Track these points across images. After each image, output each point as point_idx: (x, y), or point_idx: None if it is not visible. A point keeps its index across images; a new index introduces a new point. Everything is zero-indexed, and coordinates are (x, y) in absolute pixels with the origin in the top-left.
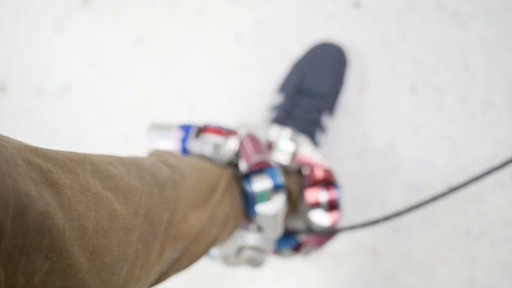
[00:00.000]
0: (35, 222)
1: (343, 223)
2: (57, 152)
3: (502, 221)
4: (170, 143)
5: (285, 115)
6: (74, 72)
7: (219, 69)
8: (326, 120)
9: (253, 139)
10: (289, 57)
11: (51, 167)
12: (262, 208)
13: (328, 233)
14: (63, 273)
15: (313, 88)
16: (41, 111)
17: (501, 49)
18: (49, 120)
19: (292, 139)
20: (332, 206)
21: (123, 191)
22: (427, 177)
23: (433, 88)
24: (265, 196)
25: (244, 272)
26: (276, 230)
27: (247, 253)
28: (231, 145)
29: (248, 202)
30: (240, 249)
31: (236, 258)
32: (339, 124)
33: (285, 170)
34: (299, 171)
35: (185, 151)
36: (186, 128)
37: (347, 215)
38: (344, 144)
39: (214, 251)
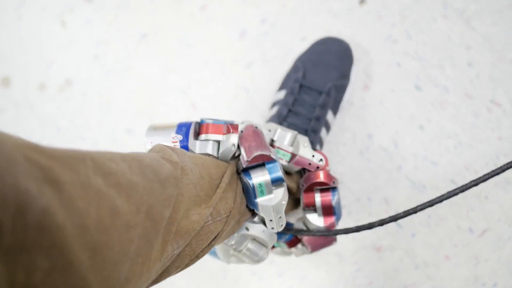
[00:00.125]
0: (35, 220)
1: (343, 223)
2: (58, 149)
3: (506, 219)
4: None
5: (286, 111)
6: (76, 66)
7: (223, 65)
8: (329, 117)
9: (253, 132)
10: (293, 53)
11: (52, 164)
12: (262, 200)
13: (323, 235)
14: (64, 270)
15: (315, 84)
16: (44, 105)
17: (506, 46)
18: (51, 115)
19: (292, 141)
20: (327, 211)
21: (124, 188)
22: (431, 175)
23: (437, 86)
24: (264, 189)
25: (246, 270)
26: (277, 224)
27: (249, 245)
28: (233, 140)
29: (249, 195)
30: (243, 239)
31: (236, 251)
32: (343, 121)
33: (285, 170)
34: (299, 172)
35: (186, 148)
36: (184, 129)
37: (352, 213)
38: (348, 141)
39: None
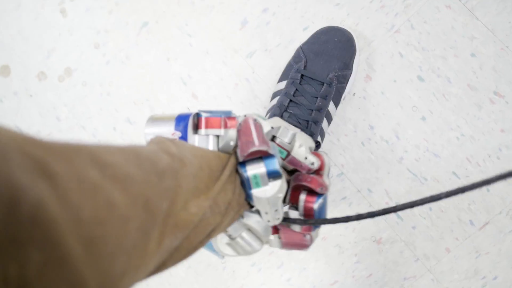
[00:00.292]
0: (29, 213)
1: (342, 214)
2: (54, 142)
3: (508, 212)
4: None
5: (287, 102)
6: (77, 55)
7: (224, 54)
8: (331, 107)
9: (251, 125)
10: (295, 43)
11: (47, 156)
12: (256, 192)
13: (309, 224)
14: (58, 264)
15: (317, 75)
16: (43, 94)
17: (510, 37)
18: (51, 104)
19: (291, 139)
20: (307, 213)
21: (121, 180)
22: (433, 167)
23: (440, 76)
24: (260, 181)
25: (245, 261)
26: (273, 217)
27: (243, 233)
28: (231, 135)
29: (244, 186)
30: (238, 227)
31: (231, 239)
32: (345, 112)
33: (283, 167)
34: (293, 171)
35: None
36: (182, 125)
37: (352, 204)
38: (349, 132)
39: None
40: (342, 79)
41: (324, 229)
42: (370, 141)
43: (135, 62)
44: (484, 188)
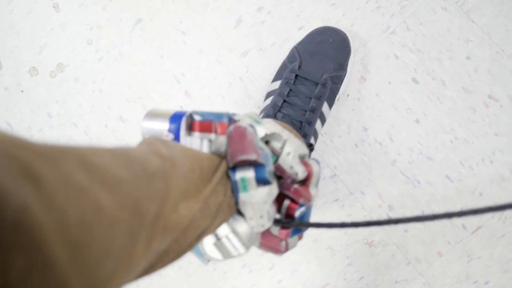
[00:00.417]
0: (12, 217)
1: (335, 216)
2: (40, 144)
3: (500, 216)
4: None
5: (281, 102)
6: (69, 51)
7: (218, 53)
8: (324, 108)
9: (241, 133)
10: (289, 43)
11: (32, 159)
12: (242, 195)
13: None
14: (42, 269)
15: (311, 75)
16: (35, 90)
17: (506, 40)
18: (42, 100)
19: (282, 146)
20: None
21: (109, 183)
22: (426, 170)
23: (435, 79)
24: (247, 185)
25: (236, 262)
26: (257, 223)
27: (229, 235)
28: (221, 142)
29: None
30: (226, 228)
31: (217, 239)
32: (338, 113)
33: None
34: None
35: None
36: (174, 126)
37: (345, 206)
38: (343, 134)
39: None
40: (336, 80)
41: (316, 231)
42: (364, 143)
43: (128, 59)
44: (477, 192)
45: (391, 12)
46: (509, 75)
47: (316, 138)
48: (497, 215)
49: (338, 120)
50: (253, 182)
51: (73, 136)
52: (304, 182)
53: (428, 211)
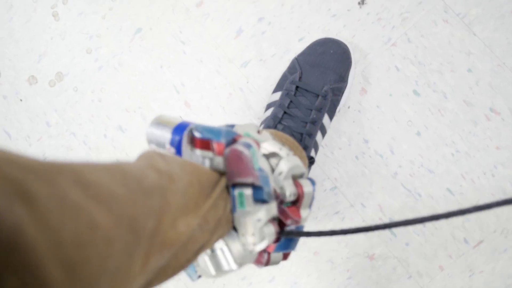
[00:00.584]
0: (4, 238)
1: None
2: (34, 160)
3: (502, 230)
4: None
5: (282, 114)
6: (68, 60)
7: (218, 63)
8: (325, 120)
9: (237, 157)
10: (290, 54)
11: (25, 176)
12: (239, 212)
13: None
14: None
15: (312, 87)
16: (33, 99)
17: (507, 53)
18: (41, 109)
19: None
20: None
21: (105, 200)
22: (427, 183)
23: (436, 91)
24: (244, 201)
25: (236, 275)
26: (247, 240)
27: (223, 247)
28: (218, 162)
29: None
30: (221, 241)
31: (211, 250)
32: (339, 125)
33: None
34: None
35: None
36: (177, 139)
37: (345, 219)
38: (343, 146)
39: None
40: (337, 92)
41: (316, 243)
42: (364, 155)
43: (128, 68)
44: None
45: (392, 24)
46: (511, 88)
47: (316, 150)
48: (499, 229)
49: (339, 132)
50: (250, 199)
51: (72, 146)
52: (295, 202)
53: (429, 225)
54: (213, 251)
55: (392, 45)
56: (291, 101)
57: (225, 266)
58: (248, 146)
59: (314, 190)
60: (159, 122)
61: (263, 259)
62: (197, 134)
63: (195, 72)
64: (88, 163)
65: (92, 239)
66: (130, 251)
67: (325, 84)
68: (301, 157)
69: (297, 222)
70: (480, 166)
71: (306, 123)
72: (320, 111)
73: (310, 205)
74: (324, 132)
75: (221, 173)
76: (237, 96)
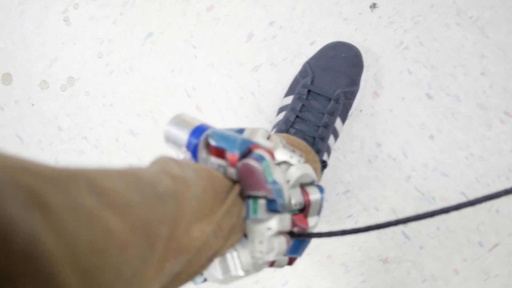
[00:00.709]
0: (21, 247)
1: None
2: (48, 168)
3: None
4: (179, 151)
5: (294, 118)
6: (80, 65)
7: (229, 67)
8: (337, 124)
9: (249, 172)
10: (301, 57)
11: (41, 185)
12: (251, 218)
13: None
14: None
15: (324, 90)
16: (45, 104)
17: None
18: (53, 113)
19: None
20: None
21: (119, 207)
22: (441, 186)
23: (449, 95)
24: (258, 208)
25: (249, 278)
26: (255, 248)
27: (234, 252)
28: (231, 173)
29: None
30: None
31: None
32: (351, 129)
33: None
34: None
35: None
36: (193, 143)
37: (358, 222)
38: (356, 149)
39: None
40: (349, 96)
41: (329, 247)
42: (377, 159)
43: (139, 73)
44: (493, 209)
45: (404, 27)
46: None
47: (329, 154)
48: None
49: (351, 136)
50: (263, 207)
51: (83, 150)
52: (302, 210)
53: (443, 228)
54: (223, 254)
55: (404, 48)
56: (303, 105)
57: (233, 271)
58: (261, 159)
59: (322, 198)
60: (177, 122)
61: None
62: (212, 142)
63: (206, 76)
64: (102, 169)
65: (107, 247)
66: (145, 258)
67: (337, 87)
68: (313, 161)
69: (304, 230)
70: (494, 169)
71: (319, 127)
72: (332, 114)
73: (319, 213)
74: (336, 136)
75: (235, 181)
76: (249, 100)
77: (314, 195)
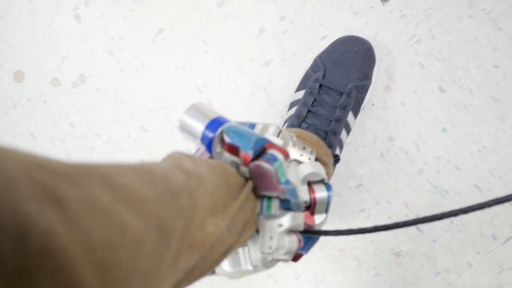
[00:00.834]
0: (38, 243)
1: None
2: (63, 165)
3: None
4: (194, 143)
5: (306, 112)
6: (91, 62)
7: (240, 63)
8: (349, 118)
9: (260, 173)
10: (313, 52)
11: (56, 182)
12: (263, 214)
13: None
14: None
15: (336, 85)
16: (57, 101)
17: None
18: (64, 110)
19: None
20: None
21: (134, 202)
22: (454, 179)
23: (462, 88)
24: (271, 206)
25: (262, 273)
26: (264, 243)
27: (240, 249)
28: (244, 171)
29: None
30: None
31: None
32: (364, 123)
33: None
34: None
35: (210, 149)
36: (207, 138)
37: (371, 216)
38: (368, 143)
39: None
40: (361, 90)
41: (341, 241)
42: (390, 152)
43: (150, 69)
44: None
45: (415, 20)
46: None
47: (341, 148)
48: None
49: (363, 130)
50: (277, 204)
51: (95, 146)
52: (308, 208)
53: (456, 221)
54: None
55: (416, 41)
56: (315, 99)
57: (243, 266)
58: (274, 159)
59: (329, 196)
60: (193, 112)
61: None
62: (226, 139)
63: (217, 72)
64: (115, 164)
65: (123, 242)
66: (160, 253)
67: (349, 82)
68: (326, 155)
69: (310, 227)
70: (508, 162)
71: (331, 121)
72: (344, 109)
73: (326, 211)
74: (348, 130)
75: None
76: (260, 95)
77: (320, 193)
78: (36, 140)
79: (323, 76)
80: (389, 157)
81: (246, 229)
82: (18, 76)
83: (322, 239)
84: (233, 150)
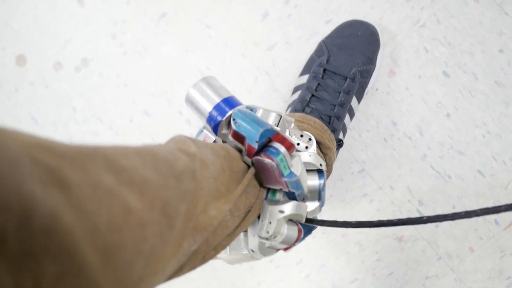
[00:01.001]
0: (42, 224)
1: (364, 212)
2: (67, 146)
3: None
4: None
5: (309, 97)
6: (93, 46)
7: (244, 47)
8: (353, 103)
9: (262, 167)
10: (317, 36)
11: (59, 163)
12: (267, 199)
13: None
14: (74, 274)
15: (340, 69)
16: (59, 85)
17: None
18: (67, 94)
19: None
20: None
21: (137, 185)
22: (457, 164)
23: (466, 72)
24: (276, 192)
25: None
26: (263, 227)
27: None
28: (248, 160)
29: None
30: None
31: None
32: (367, 107)
33: None
34: None
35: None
36: (213, 122)
37: (374, 201)
38: (372, 128)
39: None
40: (365, 74)
41: None
42: (393, 137)
43: (153, 53)
44: (510, 187)
45: (421, 5)
46: None
47: (345, 133)
48: None
49: (367, 115)
50: (281, 192)
51: (98, 131)
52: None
53: (459, 207)
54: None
55: (421, 26)
56: (318, 84)
57: (243, 246)
58: (276, 154)
59: (321, 184)
60: (203, 88)
61: None
62: (233, 126)
63: (220, 56)
64: (119, 147)
65: (126, 224)
66: (163, 235)
67: (353, 66)
68: (329, 140)
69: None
70: (511, 147)
71: (335, 105)
72: (348, 93)
73: (319, 198)
74: (352, 115)
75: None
76: (263, 80)
77: (311, 181)
78: (38, 124)
79: (327, 60)
80: (392, 142)
81: (249, 214)
82: (21, 60)
83: None
84: (239, 138)
